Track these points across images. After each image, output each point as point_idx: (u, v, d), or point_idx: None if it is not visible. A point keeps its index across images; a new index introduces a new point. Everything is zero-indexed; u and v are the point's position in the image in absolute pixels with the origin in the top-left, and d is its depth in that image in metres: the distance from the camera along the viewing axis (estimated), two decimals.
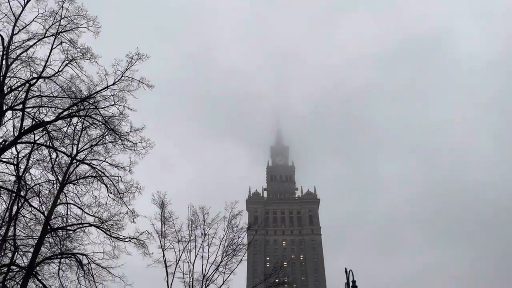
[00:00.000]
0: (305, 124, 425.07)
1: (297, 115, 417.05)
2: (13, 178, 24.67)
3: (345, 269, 26.52)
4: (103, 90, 22.95)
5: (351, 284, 25.33)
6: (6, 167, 23.91)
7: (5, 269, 24.08)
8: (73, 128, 26.34)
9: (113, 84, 22.96)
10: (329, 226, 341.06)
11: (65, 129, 24.49)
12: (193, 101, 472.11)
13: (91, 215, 27.41)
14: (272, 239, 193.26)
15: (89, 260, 26.50)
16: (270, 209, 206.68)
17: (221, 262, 33.56)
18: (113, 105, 23.06)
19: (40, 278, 23.76)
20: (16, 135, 21.89)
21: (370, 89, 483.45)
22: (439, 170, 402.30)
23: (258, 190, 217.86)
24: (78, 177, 27.21)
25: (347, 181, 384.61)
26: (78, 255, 26.37)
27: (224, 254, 33.81)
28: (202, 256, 33.80)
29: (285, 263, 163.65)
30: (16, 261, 23.20)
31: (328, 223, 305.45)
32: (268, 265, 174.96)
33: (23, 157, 23.61)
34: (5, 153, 22.10)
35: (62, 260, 25.83)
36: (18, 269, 22.88)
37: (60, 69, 22.04)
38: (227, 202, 35.82)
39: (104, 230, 27.32)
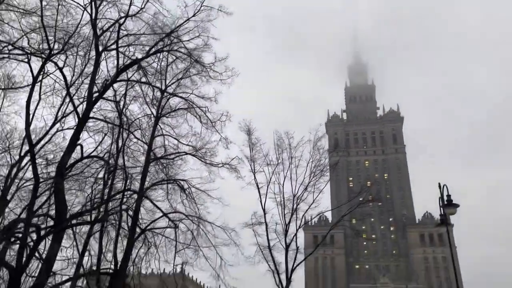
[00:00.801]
0: (381, 38, 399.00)
1: (372, 28, 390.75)
2: (112, 115, 26.87)
3: (439, 184, 25.94)
4: (185, 23, 23.23)
5: (445, 198, 24.82)
6: (108, 105, 26.00)
7: (119, 195, 27.20)
8: (160, 64, 27.46)
9: (193, 16, 23.08)
10: (414, 143, 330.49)
11: (154, 64, 25.61)
12: (261, 24, 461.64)
13: (186, 145, 29.42)
14: (354, 160, 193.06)
15: (189, 185, 28.89)
16: (350, 130, 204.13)
17: (309, 182, 34.75)
18: (197, 36, 23.41)
19: (150, 199, 26.73)
20: (111, 74, 23.48)
21: None
22: None
23: (337, 112, 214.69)
24: (170, 110, 28.90)
25: (431, 93, 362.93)
26: (180, 181, 28.86)
27: (312, 174, 34.86)
28: (290, 178, 35.25)
29: (369, 182, 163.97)
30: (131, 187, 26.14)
31: (412, 140, 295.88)
32: (351, 185, 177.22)
33: (123, 95, 25.39)
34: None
35: (167, 185, 28.50)
36: (132, 193, 25.80)
37: (143, 6, 22.56)
38: (310, 126, 36.40)
39: (199, 158, 29.32)
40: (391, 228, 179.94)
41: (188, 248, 26.18)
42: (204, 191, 28.93)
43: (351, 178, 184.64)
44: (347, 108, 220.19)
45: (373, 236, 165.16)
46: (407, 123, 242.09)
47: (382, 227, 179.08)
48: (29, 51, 18.88)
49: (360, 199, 38.11)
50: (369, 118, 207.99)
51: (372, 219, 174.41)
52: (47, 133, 24.68)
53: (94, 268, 24.53)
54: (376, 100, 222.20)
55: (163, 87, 28.28)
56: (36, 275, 17.42)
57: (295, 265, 32.77)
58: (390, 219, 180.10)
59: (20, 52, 19.14)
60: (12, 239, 19.05)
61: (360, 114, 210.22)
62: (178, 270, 29.61)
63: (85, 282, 27.96)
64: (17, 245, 18.16)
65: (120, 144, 26.32)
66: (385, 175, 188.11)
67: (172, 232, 27.11)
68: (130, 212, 24.78)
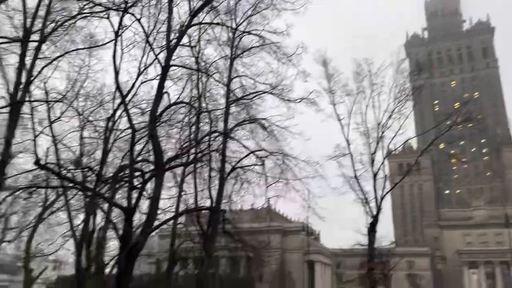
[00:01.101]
0: None
1: None
2: (189, 61, 27.34)
3: None
4: None
5: None
6: (184, 52, 26.43)
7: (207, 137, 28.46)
8: (229, 2, 26.94)
9: None
10: (507, 56, 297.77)
11: (224, 4, 25.16)
12: None
13: (262, 83, 29.38)
14: (439, 81, 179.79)
15: (270, 123, 29.26)
16: (433, 49, 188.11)
17: (394, 109, 33.20)
18: None
19: (236, 138, 27.75)
20: (183, 20, 23.58)
21: None
22: None
23: (416, 32, 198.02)
24: (244, 49, 28.72)
25: None
26: (260, 120, 29.31)
27: (396, 100, 33.20)
28: (373, 106, 33.96)
29: (457, 104, 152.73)
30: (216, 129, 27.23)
31: (505, 53, 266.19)
32: (437, 109, 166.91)
33: (197, 40, 25.62)
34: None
35: (249, 125, 29.18)
36: (218, 134, 26.94)
37: None
38: (392, 48, 34.25)
39: (276, 95, 29.27)
40: (484, 150, 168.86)
41: (278, 182, 27.05)
42: (285, 127, 29.11)
43: (436, 101, 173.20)
44: (428, 25, 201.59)
45: (464, 159, 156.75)
46: (498, 35, 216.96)
47: (473, 149, 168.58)
48: (107, 7, 19.47)
49: (448, 122, 35.98)
50: (454, 33, 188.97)
51: (462, 142, 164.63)
52: (133, 85, 26.07)
53: (193, 206, 26.59)
54: (462, 12, 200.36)
55: (234, 26, 27.97)
56: (147, 212, 19.30)
57: (384, 193, 32.49)
58: (482, 140, 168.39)
59: (100, 9, 19.85)
60: (121, 184, 21.14)
61: (443, 30, 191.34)
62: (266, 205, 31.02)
63: (184, 219, 30.56)
64: (125, 188, 20.13)
65: (200, 88, 27.11)
66: (475, 93, 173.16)
67: (259, 169, 28.10)
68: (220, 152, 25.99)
